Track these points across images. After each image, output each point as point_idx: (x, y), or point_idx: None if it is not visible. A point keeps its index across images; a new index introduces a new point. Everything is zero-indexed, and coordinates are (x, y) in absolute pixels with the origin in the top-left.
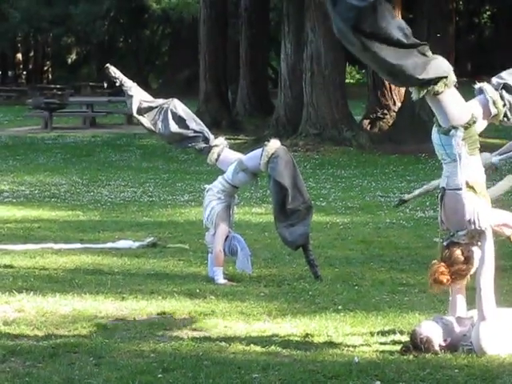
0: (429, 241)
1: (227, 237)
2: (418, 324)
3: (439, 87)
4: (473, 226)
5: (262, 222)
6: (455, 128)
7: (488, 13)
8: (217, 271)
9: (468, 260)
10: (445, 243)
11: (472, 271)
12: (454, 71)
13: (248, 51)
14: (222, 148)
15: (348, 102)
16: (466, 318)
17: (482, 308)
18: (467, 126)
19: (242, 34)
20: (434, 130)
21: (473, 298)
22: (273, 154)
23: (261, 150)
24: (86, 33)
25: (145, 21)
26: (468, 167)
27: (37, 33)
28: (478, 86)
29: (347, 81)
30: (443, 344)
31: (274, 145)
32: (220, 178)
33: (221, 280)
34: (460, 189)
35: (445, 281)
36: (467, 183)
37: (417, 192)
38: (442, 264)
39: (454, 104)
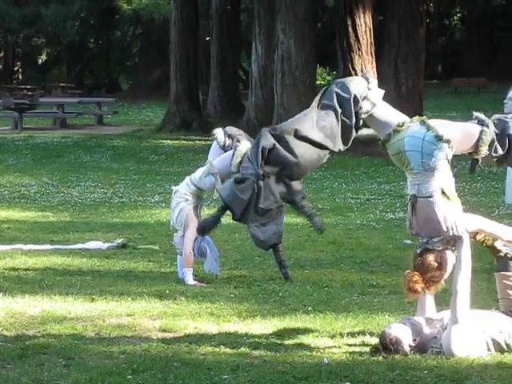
0: (399, 242)
1: (196, 238)
2: (387, 325)
3: (367, 107)
4: (450, 233)
5: (232, 223)
6: (447, 141)
7: (458, 15)
8: (187, 272)
9: (441, 266)
10: (418, 251)
11: (446, 276)
12: (425, 72)
13: (219, 52)
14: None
15: None
16: (436, 319)
17: (456, 312)
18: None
19: (212, 35)
20: (411, 137)
21: (441, 299)
22: (245, 153)
23: (229, 153)
24: (57, 34)
25: (115, 22)
26: (442, 174)
27: (7, 33)
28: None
29: (318, 82)
30: (412, 345)
31: (245, 145)
32: (187, 180)
33: (191, 281)
34: (433, 196)
35: (419, 289)
36: (442, 190)
37: None
38: (416, 273)
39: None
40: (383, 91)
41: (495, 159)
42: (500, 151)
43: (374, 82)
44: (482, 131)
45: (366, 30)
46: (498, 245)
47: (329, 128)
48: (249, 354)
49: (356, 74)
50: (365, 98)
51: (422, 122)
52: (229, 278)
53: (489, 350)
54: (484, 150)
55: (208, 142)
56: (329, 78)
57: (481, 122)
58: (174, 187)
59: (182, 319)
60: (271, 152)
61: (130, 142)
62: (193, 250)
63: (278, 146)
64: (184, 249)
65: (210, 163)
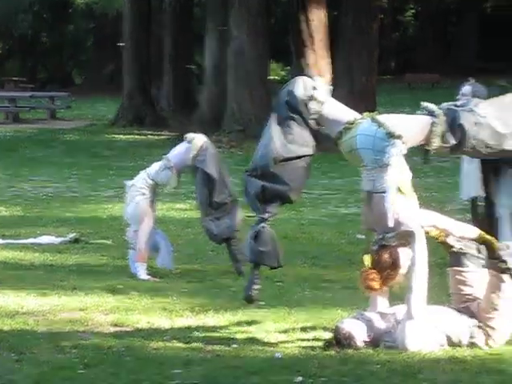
0: (351, 237)
1: (150, 233)
2: (340, 320)
3: (315, 107)
4: (403, 227)
5: (185, 218)
6: (398, 137)
7: (412, 11)
8: (139, 267)
9: (396, 263)
10: (375, 247)
11: (402, 273)
12: (378, 68)
13: (172, 47)
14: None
15: (272, 99)
16: (389, 313)
17: (411, 307)
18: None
19: (166, 29)
20: (362, 135)
21: (394, 294)
22: (201, 146)
23: (184, 145)
24: (8, 27)
25: (69, 16)
26: (396, 170)
27: None
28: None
29: (271, 77)
30: (366, 339)
31: (201, 138)
32: (143, 174)
33: (143, 276)
34: (387, 192)
35: (377, 286)
36: (396, 186)
37: None
38: (372, 270)
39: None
40: (330, 88)
41: (448, 149)
42: (452, 141)
43: (319, 80)
44: (432, 123)
45: (319, 25)
46: (451, 240)
47: (298, 137)
48: (201, 349)
49: (310, 70)
50: (312, 98)
51: (373, 119)
52: (181, 273)
53: (441, 345)
54: (436, 142)
55: (161, 137)
56: (283, 73)
57: (431, 113)
58: (128, 182)
59: (134, 314)
60: (264, 193)
61: (83, 136)
62: (147, 244)
63: (266, 184)
64: (138, 243)
65: (167, 158)
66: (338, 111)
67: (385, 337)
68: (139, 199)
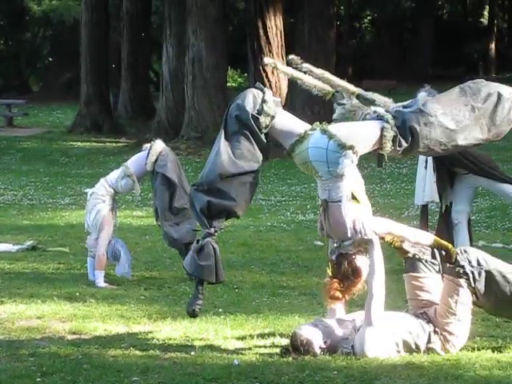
0: (309, 244)
1: (110, 241)
2: (297, 326)
3: (265, 120)
4: (359, 235)
5: (143, 225)
6: (350, 147)
7: (369, 17)
8: (98, 274)
9: (356, 271)
10: (333, 257)
11: (363, 280)
12: (336, 75)
13: (130, 54)
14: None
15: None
16: (348, 320)
17: (370, 314)
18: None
19: (123, 36)
20: (314, 148)
21: (351, 301)
22: (160, 152)
23: (144, 153)
24: None
25: (25, 23)
26: (351, 179)
27: None
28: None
29: (229, 84)
30: (323, 346)
31: (160, 144)
32: (103, 181)
33: (101, 283)
34: (342, 201)
35: (340, 296)
36: (351, 194)
37: None
38: (335, 280)
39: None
40: (279, 100)
41: (401, 152)
42: (404, 144)
43: (269, 92)
44: (383, 128)
45: (276, 32)
46: (406, 246)
47: (247, 152)
48: (159, 356)
49: (267, 76)
50: (262, 111)
51: (323, 130)
52: (139, 280)
53: (398, 351)
54: (388, 146)
55: (119, 144)
56: (240, 79)
57: (380, 118)
58: (88, 189)
59: (92, 321)
60: (210, 209)
61: (41, 144)
62: (106, 252)
63: (212, 200)
64: (97, 250)
65: (125, 165)
66: (289, 123)
67: (343, 343)
68: (100, 207)
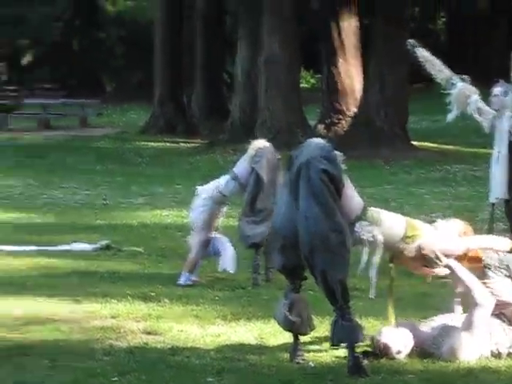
0: None
1: (210, 240)
2: (377, 330)
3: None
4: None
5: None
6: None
7: (443, 19)
8: (182, 274)
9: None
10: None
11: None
12: (410, 76)
13: (203, 54)
14: None
15: (303, 107)
16: (436, 322)
17: (474, 319)
18: None
19: (197, 37)
20: None
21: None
22: (259, 148)
23: (243, 156)
24: (40, 34)
25: (100, 23)
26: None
27: None
28: None
29: (302, 85)
30: (402, 350)
31: (261, 141)
32: (212, 184)
33: (182, 282)
34: None
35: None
36: None
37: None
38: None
39: None
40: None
41: None
42: None
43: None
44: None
45: (350, 34)
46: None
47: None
48: (233, 357)
49: (340, 77)
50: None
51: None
52: (213, 281)
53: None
54: None
55: (192, 145)
56: (312, 80)
57: None
58: (198, 187)
59: (166, 321)
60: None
61: (114, 143)
62: (210, 250)
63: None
64: (190, 252)
65: (232, 171)
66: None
67: (429, 343)
68: (202, 209)
